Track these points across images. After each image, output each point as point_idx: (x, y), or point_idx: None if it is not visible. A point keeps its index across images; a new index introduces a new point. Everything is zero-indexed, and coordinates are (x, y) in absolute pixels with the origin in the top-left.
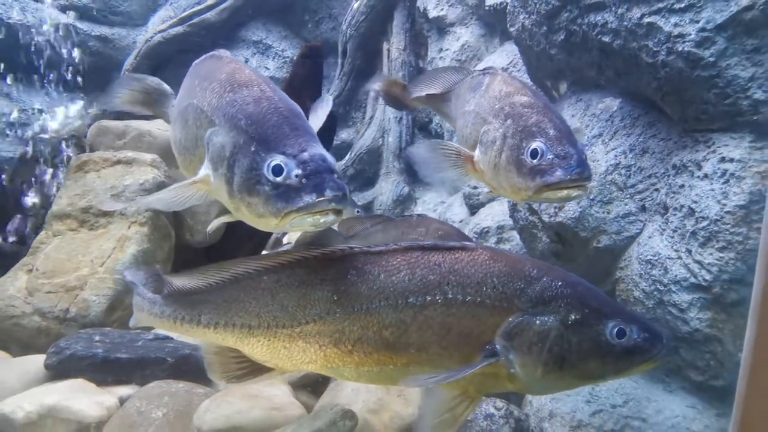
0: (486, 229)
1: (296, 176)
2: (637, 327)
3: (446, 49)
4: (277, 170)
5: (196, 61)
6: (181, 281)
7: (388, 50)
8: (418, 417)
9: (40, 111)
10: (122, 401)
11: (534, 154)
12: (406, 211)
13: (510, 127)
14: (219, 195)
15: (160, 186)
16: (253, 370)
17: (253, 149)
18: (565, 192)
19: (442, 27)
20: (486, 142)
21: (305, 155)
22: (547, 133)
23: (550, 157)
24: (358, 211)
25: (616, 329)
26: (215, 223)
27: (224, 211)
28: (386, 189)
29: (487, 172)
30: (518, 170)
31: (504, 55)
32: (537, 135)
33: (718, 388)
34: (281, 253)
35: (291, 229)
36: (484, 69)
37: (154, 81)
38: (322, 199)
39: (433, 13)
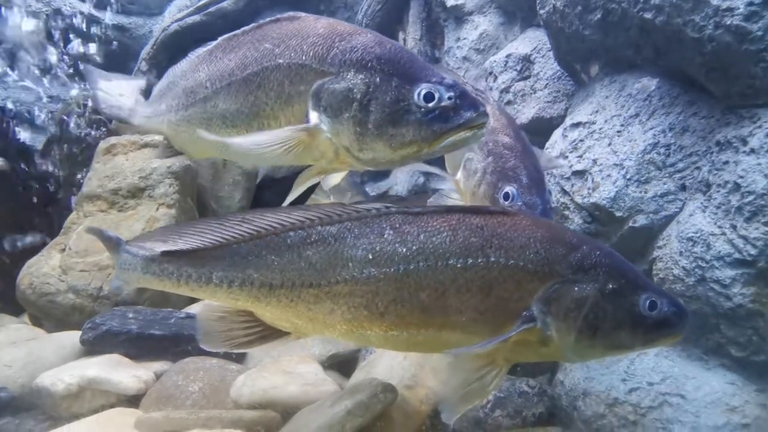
0: None
1: (449, 98)
2: (666, 300)
3: (464, 39)
4: (429, 97)
5: (247, 28)
6: (154, 239)
7: (404, 40)
8: (446, 387)
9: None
10: (158, 375)
11: (506, 196)
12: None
13: (490, 165)
14: (334, 141)
15: (186, 169)
16: (261, 336)
17: (395, 84)
18: None
19: (459, 16)
20: (469, 169)
21: (448, 80)
22: (520, 180)
23: (519, 204)
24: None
25: (648, 301)
26: (301, 187)
27: (247, 196)
28: (401, 180)
29: (467, 194)
30: (492, 205)
31: (526, 42)
32: (511, 180)
33: (758, 363)
34: (310, 208)
35: (440, 152)
36: (476, 89)
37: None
38: (479, 113)
39: (450, 2)
